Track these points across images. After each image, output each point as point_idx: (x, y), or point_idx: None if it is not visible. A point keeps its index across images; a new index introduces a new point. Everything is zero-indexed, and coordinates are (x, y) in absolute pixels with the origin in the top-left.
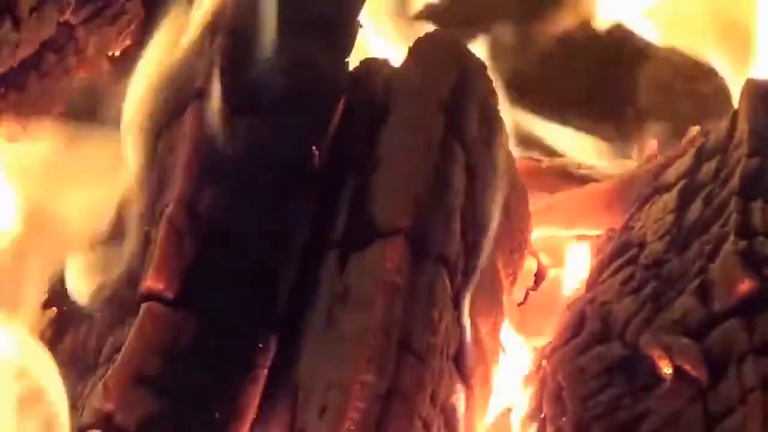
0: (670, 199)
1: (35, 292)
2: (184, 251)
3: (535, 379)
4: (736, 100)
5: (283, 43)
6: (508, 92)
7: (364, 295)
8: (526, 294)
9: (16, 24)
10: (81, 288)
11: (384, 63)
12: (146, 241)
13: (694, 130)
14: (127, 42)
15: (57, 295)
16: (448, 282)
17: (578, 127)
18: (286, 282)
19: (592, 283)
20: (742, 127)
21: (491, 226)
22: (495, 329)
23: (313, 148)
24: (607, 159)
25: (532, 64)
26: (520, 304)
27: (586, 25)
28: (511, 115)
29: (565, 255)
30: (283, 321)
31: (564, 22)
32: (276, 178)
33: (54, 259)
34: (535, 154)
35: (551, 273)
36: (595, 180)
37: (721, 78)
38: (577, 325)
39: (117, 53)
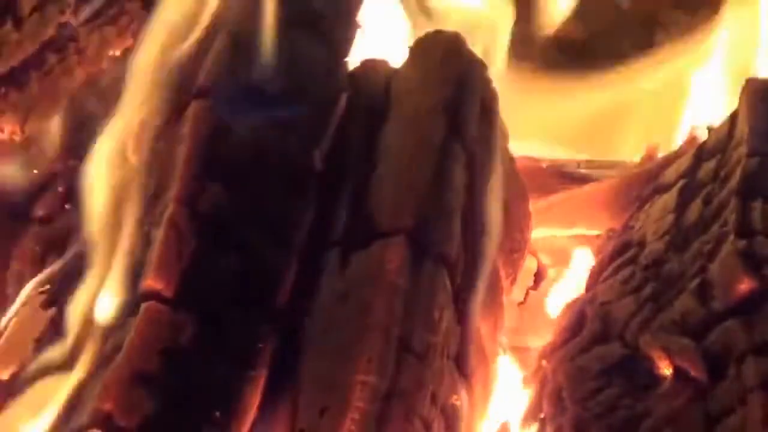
0: (669, 198)
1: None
2: (184, 251)
3: (535, 379)
4: None
5: (282, 44)
6: None
7: (365, 295)
8: (526, 294)
9: (18, 24)
10: None
11: (384, 63)
12: (146, 240)
13: (694, 129)
14: (128, 42)
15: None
16: (448, 282)
17: None
18: (287, 282)
19: (592, 283)
20: (742, 126)
21: (494, 230)
22: (495, 329)
23: (314, 147)
24: None
25: None
26: (520, 304)
27: None
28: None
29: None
30: (284, 321)
31: None
32: (276, 177)
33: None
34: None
35: (551, 273)
36: (595, 180)
37: None
38: (577, 325)
39: (117, 53)
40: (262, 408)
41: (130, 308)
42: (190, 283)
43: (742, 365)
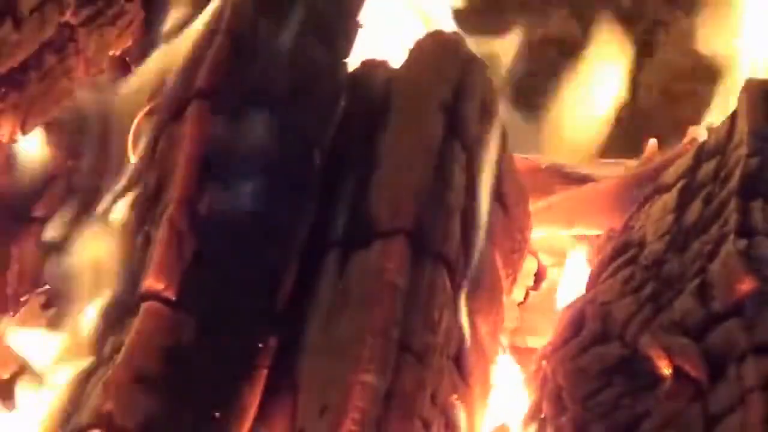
0: (669, 199)
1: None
2: (184, 251)
3: (535, 379)
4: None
5: (282, 43)
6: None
7: (365, 295)
8: (526, 294)
9: (17, 24)
10: None
11: (384, 63)
12: (146, 240)
13: (694, 130)
14: (127, 42)
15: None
16: (448, 281)
17: None
18: (287, 282)
19: (592, 283)
20: (742, 127)
21: (483, 222)
22: (495, 329)
23: (314, 147)
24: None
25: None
26: (520, 304)
27: None
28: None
29: (566, 255)
30: (284, 321)
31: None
32: (276, 178)
33: None
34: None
35: (551, 273)
36: (595, 180)
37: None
38: (577, 325)
39: (117, 53)
40: (262, 408)
41: (129, 308)
42: (190, 283)
43: (742, 365)
